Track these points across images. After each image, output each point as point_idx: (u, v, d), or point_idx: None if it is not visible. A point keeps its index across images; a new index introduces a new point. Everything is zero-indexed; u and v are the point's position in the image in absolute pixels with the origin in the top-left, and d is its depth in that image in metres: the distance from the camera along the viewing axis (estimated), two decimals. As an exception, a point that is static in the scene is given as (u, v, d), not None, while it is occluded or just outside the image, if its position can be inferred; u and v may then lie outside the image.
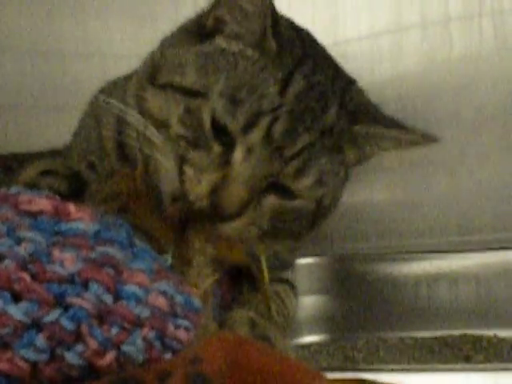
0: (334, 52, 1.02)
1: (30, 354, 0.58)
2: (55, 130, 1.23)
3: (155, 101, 0.92)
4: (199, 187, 0.86)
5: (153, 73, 0.95)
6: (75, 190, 0.94)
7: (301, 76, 0.91)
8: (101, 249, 0.67)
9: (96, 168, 1.00)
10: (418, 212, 1.30)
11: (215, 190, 0.86)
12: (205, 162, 0.87)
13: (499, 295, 1.23)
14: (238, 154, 0.87)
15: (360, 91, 1.01)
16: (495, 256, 1.24)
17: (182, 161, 0.88)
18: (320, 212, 0.96)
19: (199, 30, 0.96)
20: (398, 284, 1.27)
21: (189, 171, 0.87)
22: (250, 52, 0.91)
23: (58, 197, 0.73)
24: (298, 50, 0.94)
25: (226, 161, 0.87)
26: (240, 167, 0.86)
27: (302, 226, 0.96)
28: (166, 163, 0.89)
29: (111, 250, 0.67)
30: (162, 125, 0.90)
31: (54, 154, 1.10)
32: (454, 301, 1.24)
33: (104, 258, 0.66)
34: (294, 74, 0.91)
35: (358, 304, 1.27)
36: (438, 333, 1.21)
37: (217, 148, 0.88)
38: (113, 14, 1.35)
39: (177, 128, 0.89)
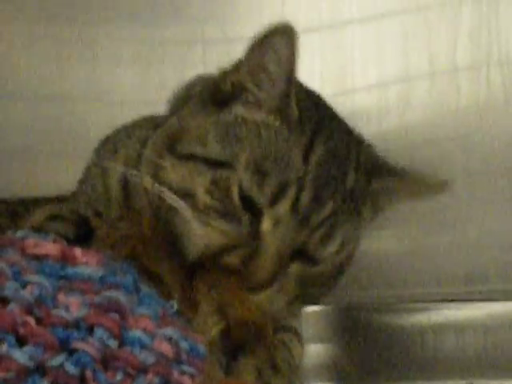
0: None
1: (34, 399, 0.57)
2: (62, 174, 1.23)
3: (176, 171, 0.90)
4: (230, 259, 0.86)
5: (171, 142, 0.93)
6: (82, 235, 0.94)
7: (321, 142, 0.90)
8: (106, 293, 0.67)
9: (102, 216, 0.99)
10: (425, 261, 1.30)
11: (245, 262, 0.86)
12: (234, 233, 0.87)
13: (506, 346, 1.22)
14: (267, 226, 0.86)
15: (370, 149, 1.00)
16: (503, 306, 1.23)
17: (211, 230, 0.87)
18: (340, 272, 0.97)
19: (215, 95, 0.94)
20: (404, 333, 1.26)
21: (217, 240, 0.87)
22: (271, 120, 0.89)
23: (64, 241, 0.73)
24: (315, 114, 0.93)
25: (254, 231, 0.87)
26: (268, 239, 0.86)
27: (324, 287, 0.97)
28: (192, 229, 0.88)
29: (117, 295, 0.67)
30: (184, 194, 0.89)
31: (61, 199, 1.11)
32: (460, 351, 1.24)
33: (109, 302, 0.66)
34: (313, 140, 0.90)
35: (363, 353, 1.27)
36: (445, 383, 1.20)
37: (245, 219, 0.87)
38: (121, 59, 1.36)
39: (205, 199, 0.87)
